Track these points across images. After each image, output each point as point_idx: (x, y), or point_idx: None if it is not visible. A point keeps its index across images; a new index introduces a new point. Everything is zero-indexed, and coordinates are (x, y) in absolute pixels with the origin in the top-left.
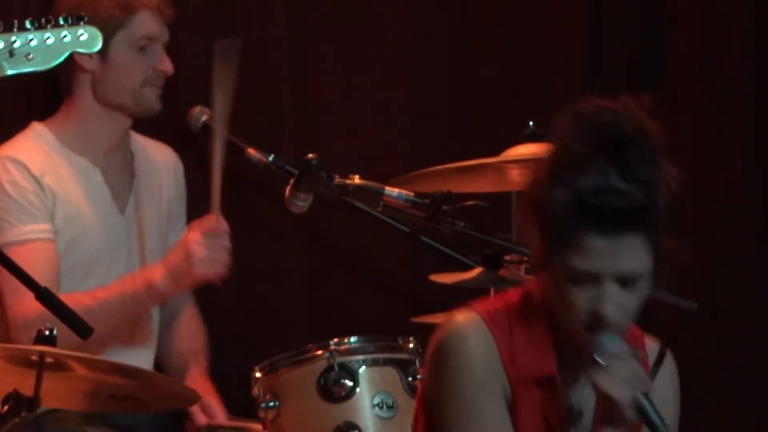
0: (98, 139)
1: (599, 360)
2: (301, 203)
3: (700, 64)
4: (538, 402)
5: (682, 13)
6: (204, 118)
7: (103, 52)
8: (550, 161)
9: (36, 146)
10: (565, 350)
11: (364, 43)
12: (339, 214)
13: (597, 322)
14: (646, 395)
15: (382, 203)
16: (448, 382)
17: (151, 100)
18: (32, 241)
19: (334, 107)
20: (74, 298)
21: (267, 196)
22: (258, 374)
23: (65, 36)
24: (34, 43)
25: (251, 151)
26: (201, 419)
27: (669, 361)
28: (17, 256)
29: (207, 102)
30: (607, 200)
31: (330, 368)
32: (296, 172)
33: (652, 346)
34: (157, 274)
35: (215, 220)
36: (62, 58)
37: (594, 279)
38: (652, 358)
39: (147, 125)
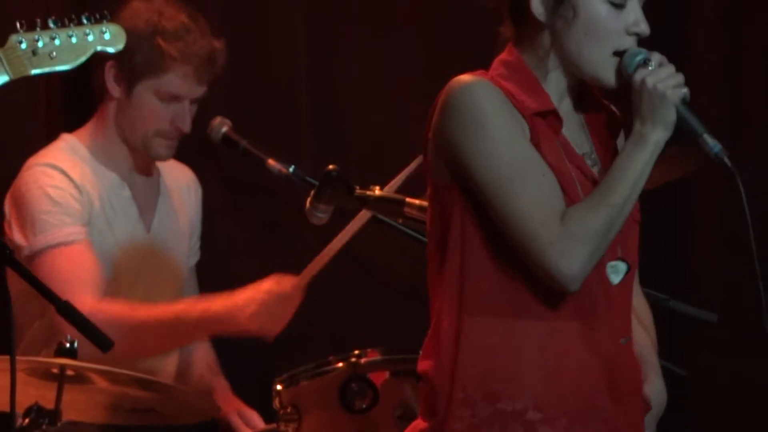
0: (125, 158)
1: (639, 56)
2: (322, 215)
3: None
4: (549, 131)
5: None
6: (224, 129)
7: (128, 88)
8: None
9: (70, 156)
10: (561, 93)
11: (386, 54)
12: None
13: (635, 35)
14: (686, 97)
15: (403, 215)
16: (479, 134)
17: (159, 151)
18: (79, 242)
19: (355, 118)
20: (125, 311)
21: (287, 207)
22: (279, 387)
23: (88, 34)
24: (57, 41)
25: (271, 162)
26: (244, 430)
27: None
28: (65, 257)
29: (227, 113)
30: None
31: (351, 380)
32: (317, 183)
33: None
34: (217, 306)
35: (298, 287)
36: (86, 57)
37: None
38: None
39: None
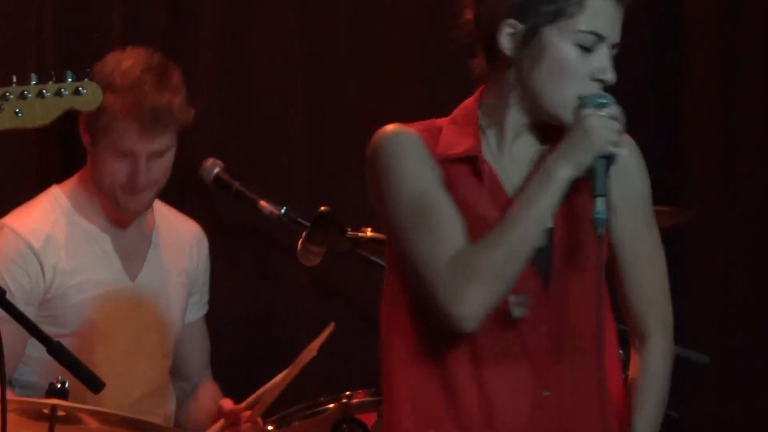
0: (107, 209)
1: (601, 99)
2: (314, 256)
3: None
4: (470, 176)
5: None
6: (216, 170)
7: (92, 142)
8: None
9: (46, 214)
10: (518, 130)
11: (381, 98)
12: (352, 267)
13: (599, 82)
14: (613, 161)
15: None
16: (386, 175)
17: (128, 205)
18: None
19: (348, 160)
20: None
21: (279, 249)
22: (270, 427)
23: (63, 91)
24: (27, 98)
25: (263, 204)
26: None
27: (627, 145)
28: None
29: (218, 154)
30: None
31: (342, 420)
32: (309, 224)
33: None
34: None
35: (254, 426)
36: (56, 116)
37: (597, 44)
38: None
39: None
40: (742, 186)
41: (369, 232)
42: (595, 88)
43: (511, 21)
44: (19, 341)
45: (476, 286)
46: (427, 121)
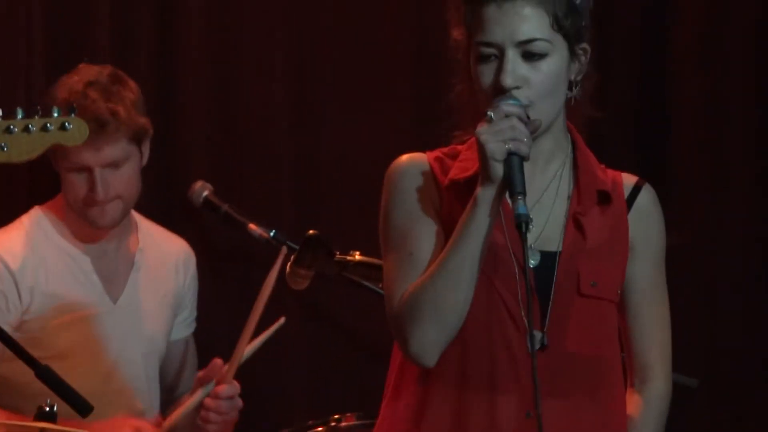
0: (86, 230)
1: (490, 114)
2: (302, 279)
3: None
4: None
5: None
6: (205, 193)
7: (54, 162)
8: None
9: (27, 235)
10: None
11: (369, 121)
12: (341, 290)
13: (497, 92)
14: (520, 157)
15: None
16: (385, 204)
17: (96, 220)
18: None
19: (337, 182)
20: None
21: (268, 272)
22: None
23: (49, 126)
24: (12, 132)
25: (252, 227)
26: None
27: (647, 195)
28: None
29: (207, 177)
30: None
31: None
32: (297, 247)
33: (630, 180)
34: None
35: (230, 386)
36: (42, 150)
37: (497, 52)
38: (627, 192)
39: (146, 201)
40: (730, 209)
41: (357, 256)
42: (496, 98)
43: (462, 56)
44: None
45: (419, 323)
46: (449, 147)
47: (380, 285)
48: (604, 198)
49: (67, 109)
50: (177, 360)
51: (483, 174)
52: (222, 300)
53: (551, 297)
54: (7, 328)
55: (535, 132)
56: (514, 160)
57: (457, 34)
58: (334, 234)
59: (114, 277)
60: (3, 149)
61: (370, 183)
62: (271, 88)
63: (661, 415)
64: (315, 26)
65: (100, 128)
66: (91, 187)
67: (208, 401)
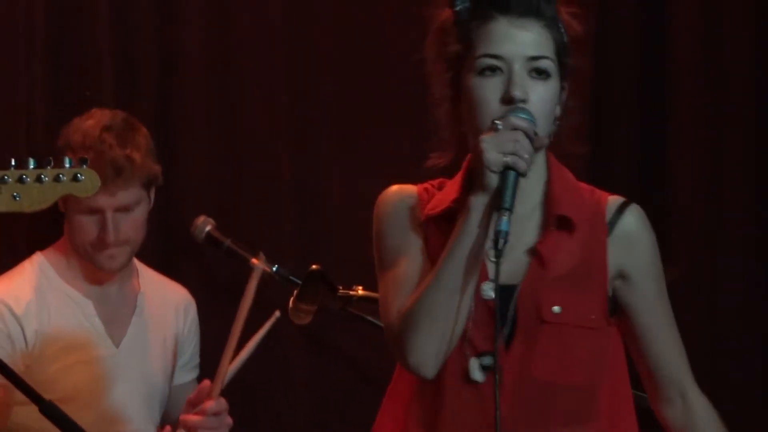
0: (91, 273)
1: (497, 124)
2: (305, 314)
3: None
4: (448, 234)
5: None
6: (208, 228)
7: (63, 204)
8: None
9: (29, 280)
10: (472, 185)
11: (370, 154)
12: (343, 324)
13: (503, 105)
14: (516, 172)
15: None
16: (375, 232)
17: (103, 263)
18: None
19: (339, 217)
20: None
21: (271, 307)
22: None
23: (61, 177)
24: (25, 181)
25: (255, 261)
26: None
27: (630, 217)
28: None
29: (210, 212)
30: None
31: None
32: (300, 282)
33: (615, 200)
34: None
35: (217, 401)
36: (53, 201)
37: (503, 66)
38: (610, 215)
39: (149, 237)
40: (730, 209)
41: (360, 291)
42: (503, 110)
43: (442, 78)
44: (3, 407)
45: (416, 333)
46: (438, 180)
47: None
48: (565, 224)
49: (80, 160)
50: (181, 405)
51: (478, 182)
52: (224, 335)
53: (511, 326)
54: (39, 372)
55: (539, 149)
56: (510, 175)
57: (449, 49)
58: (337, 269)
59: (116, 320)
60: (15, 199)
61: (372, 218)
62: (273, 123)
63: (718, 421)
64: (316, 61)
65: (115, 174)
66: (102, 229)
67: (195, 418)
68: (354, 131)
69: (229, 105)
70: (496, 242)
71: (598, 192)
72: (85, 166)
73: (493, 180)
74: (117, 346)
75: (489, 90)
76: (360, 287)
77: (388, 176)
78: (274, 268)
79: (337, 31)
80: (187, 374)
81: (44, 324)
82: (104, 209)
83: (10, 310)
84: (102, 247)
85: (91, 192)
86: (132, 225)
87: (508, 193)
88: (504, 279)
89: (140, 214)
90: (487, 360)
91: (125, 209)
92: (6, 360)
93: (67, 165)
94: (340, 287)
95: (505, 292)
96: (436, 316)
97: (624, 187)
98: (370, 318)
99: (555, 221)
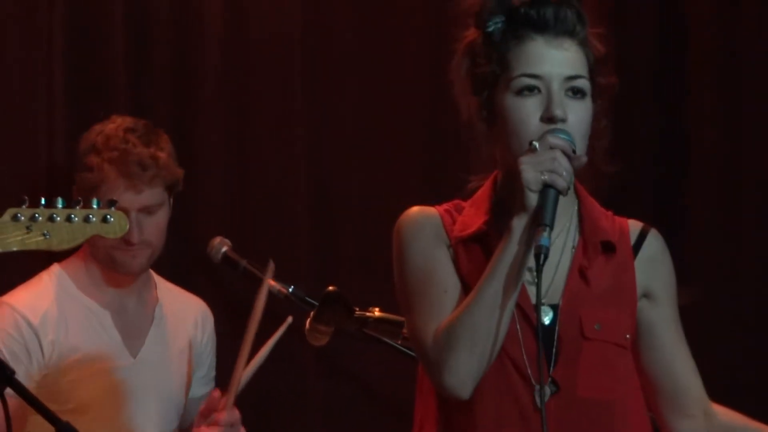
0: (108, 283)
1: (534, 144)
2: (322, 336)
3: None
4: (478, 256)
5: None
6: (224, 249)
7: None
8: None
9: (46, 290)
10: (503, 206)
11: (385, 175)
12: (360, 346)
13: (549, 122)
14: (555, 190)
15: (402, 336)
16: (399, 253)
17: (125, 263)
18: None
19: (355, 238)
20: None
21: (287, 328)
22: None
23: (90, 218)
24: (55, 220)
25: (271, 282)
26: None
27: (653, 241)
28: None
29: (226, 233)
30: (542, 6)
31: None
32: (316, 303)
33: (635, 225)
34: None
35: (230, 412)
36: (83, 240)
37: (541, 85)
38: (633, 239)
39: (165, 256)
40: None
41: (377, 312)
42: (543, 129)
43: (473, 98)
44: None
45: (455, 353)
46: (455, 201)
47: (399, 341)
48: (609, 248)
49: (108, 202)
50: (189, 416)
51: (518, 203)
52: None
53: (556, 344)
54: (29, 382)
55: (577, 168)
56: (549, 193)
57: (481, 70)
58: (354, 290)
59: (134, 331)
60: (45, 236)
61: (389, 240)
62: (289, 143)
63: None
64: (334, 80)
65: (141, 171)
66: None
67: (208, 430)
68: (372, 152)
69: (245, 125)
70: (537, 257)
71: (617, 217)
72: (113, 208)
73: (532, 199)
74: (134, 357)
75: (528, 110)
76: (377, 309)
77: (405, 199)
78: (291, 289)
79: (358, 57)
80: (203, 387)
81: (61, 334)
82: (129, 208)
83: (27, 321)
84: (125, 246)
85: (119, 233)
86: (155, 228)
87: (549, 209)
88: (547, 299)
89: (162, 218)
90: (549, 389)
91: (148, 211)
92: (22, 372)
93: (95, 206)
94: (357, 309)
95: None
96: (477, 335)
97: (638, 211)
98: (386, 339)
99: (600, 246)
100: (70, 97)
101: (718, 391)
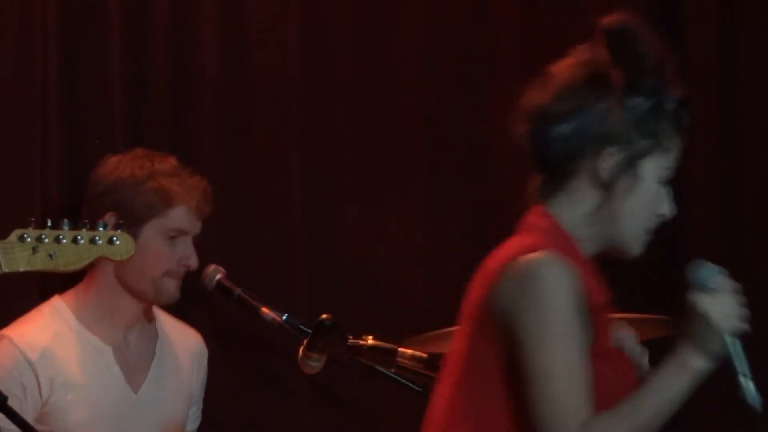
0: (115, 318)
1: (706, 285)
2: (315, 363)
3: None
4: (606, 326)
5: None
6: (218, 276)
7: (133, 235)
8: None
9: (46, 325)
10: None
11: (382, 205)
12: (353, 374)
13: (660, 217)
14: (740, 336)
15: (396, 364)
16: (542, 309)
17: (170, 291)
18: None
19: (349, 267)
20: None
21: (280, 356)
22: None
23: (97, 239)
24: (61, 242)
25: (265, 310)
26: None
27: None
28: None
29: (220, 260)
30: (689, 108)
31: None
32: (310, 331)
33: None
34: None
35: None
36: (88, 261)
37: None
38: None
39: None
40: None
41: (370, 341)
42: (652, 221)
43: (611, 149)
44: None
45: None
46: (550, 248)
47: (392, 370)
48: None
49: (116, 225)
50: None
51: (704, 345)
52: (234, 384)
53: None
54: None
55: None
56: (738, 342)
57: (630, 139)
58: (347, 318)
59: (135, 367)
60: (51, 257)
61: (383, 268)
62: (286, 172)
63: None
64: (331, 105)
65: (205, 199)
66: (184, 255)
67: None
68: (368, 181)
69: (242, 153)
70: (751, 413)
71: None
72: (119, 231)
73: (724, 347)
74: (136, 392)
75: (661, 201)
76: (370, 337)
77: (399, 227)
78: (284, 317)
79: (356, 77)
80: (194, 422)
81: (60, 371)
82: (189, 233)
83: (24, 356)
84: (177, 275)
85: (125, 255)
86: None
87: (743, 357)
88: None
89: None
90: None
91: (195, 239)
92: (16, 407)
93: (101, 228)
94: (351, 337)
95: None
96: None
97: None
98: (379, 368)
99: None
100: (66, 112)
101: (716, 393)
